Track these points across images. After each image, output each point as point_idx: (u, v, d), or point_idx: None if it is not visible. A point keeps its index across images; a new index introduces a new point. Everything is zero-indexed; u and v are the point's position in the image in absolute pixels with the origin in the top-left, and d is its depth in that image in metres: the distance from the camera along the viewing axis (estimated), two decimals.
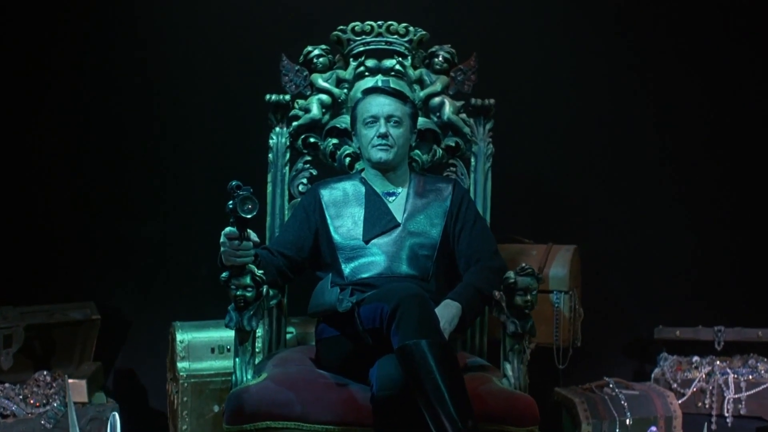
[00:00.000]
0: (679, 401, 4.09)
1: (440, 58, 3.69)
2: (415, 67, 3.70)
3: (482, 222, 3.49)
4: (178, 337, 3.81)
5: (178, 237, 4.34)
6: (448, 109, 3.67)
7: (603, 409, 3.95)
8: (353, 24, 3.67)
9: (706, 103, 4.56)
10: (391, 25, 3.66)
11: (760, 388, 4.09)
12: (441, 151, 3.70)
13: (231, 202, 2.89)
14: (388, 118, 3.40)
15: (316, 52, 3.67)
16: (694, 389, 4.15)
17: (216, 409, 3.77)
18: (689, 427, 4.08)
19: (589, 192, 4.54)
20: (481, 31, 4.38)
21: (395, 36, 3.67)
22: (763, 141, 4.56)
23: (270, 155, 3.65)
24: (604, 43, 4.52)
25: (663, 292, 4.53)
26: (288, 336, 3.66)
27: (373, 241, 3.36)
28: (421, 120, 3.62)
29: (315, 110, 3.66)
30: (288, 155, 3.66)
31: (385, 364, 2.96)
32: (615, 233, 4.54)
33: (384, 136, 3.39)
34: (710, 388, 4.13)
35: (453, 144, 3.69)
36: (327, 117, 3.68)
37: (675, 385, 4.19)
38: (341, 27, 3.68)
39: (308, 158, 3.70)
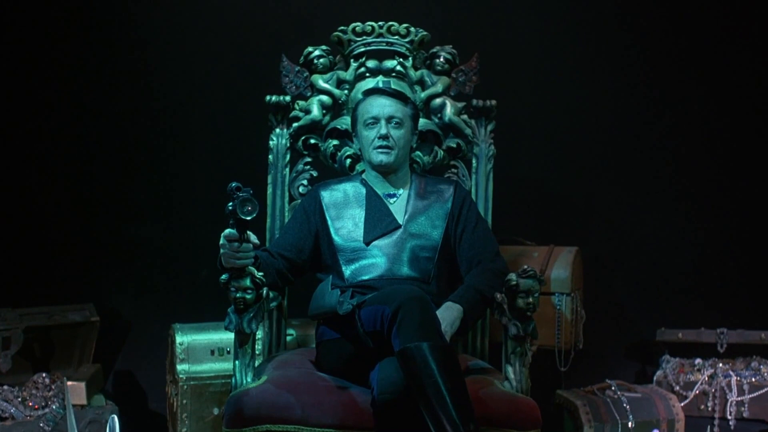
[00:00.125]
0: (682, 404, 4.10)
1: (441, 59, 3.68)
2: (416, 68, 3.69)
3: (484, 224, 3.47)
4: (178, 339, 3.80)
5: (177, 238, 4.34)
6: (449, 110, 3.66)
7: (605, 412, 3.95)
8: (354, 24, 3.66)
9: (709, 105, 4.56)
10: (392, 25, 3.66)
11: (763, 390, 4.09)
12: (442, 153, 3.69)
13: (231, 203, 2.88)
14: (388, 120, 3.39)
15: (317, 52, 3.66)
16: (697, 392, 4.16)
17: (216, 411, 3.76)
18: (692, 430, 4.09)
19: (591, 193, 4.55)
20: (483, 32, 4.39)
21: (396, 37, 3.66)
22: (766, 143, 4.54)
23: (270, 156, 3.64)
24: (607, 44, 4.52)
25: (665, 293, 4.54)
26: (288, 338, 3.65)
27: (373, 242, 3.34)
28: (422, 121, 3.61)
29: (315, 111, 3.65)
30: (288, 156, 3.65)
31: (386, 367, 2.94)
32: (617, 235, 4.54)
33: (385, 137, 3.38)
34: (713, 390, 4.14)
35: (454, 145, 3.68)
36: (327, 118, 3.67)
37: (677, 388, 4.19)
38: (342, 27, 3.67)
39: (308, 159, 3.69)
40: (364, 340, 3.06)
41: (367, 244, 3.34)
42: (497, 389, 3.10)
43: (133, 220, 4.35)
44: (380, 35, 3.66)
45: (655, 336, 4.39)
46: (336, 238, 3.37)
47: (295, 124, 3.66)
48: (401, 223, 3.38)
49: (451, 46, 3.69)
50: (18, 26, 4.27)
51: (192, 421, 3.76)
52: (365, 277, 3.29)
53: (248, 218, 2.88)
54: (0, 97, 4.24)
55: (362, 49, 3.68)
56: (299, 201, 3.60)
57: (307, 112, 3.66)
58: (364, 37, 3.67)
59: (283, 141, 3.65)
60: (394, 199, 3.43)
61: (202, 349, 3.80)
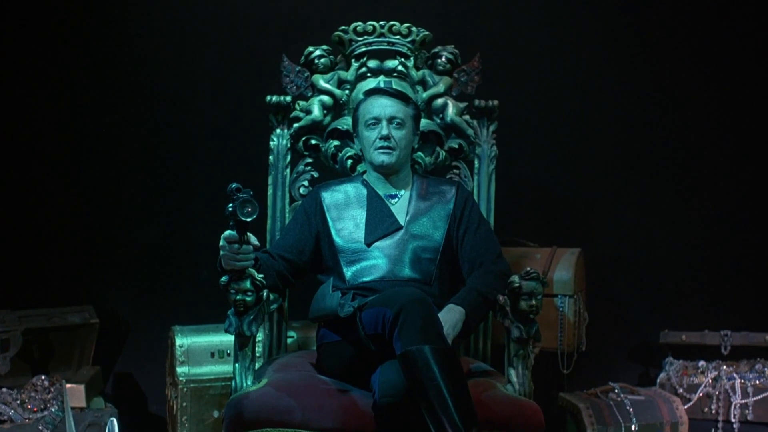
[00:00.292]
0: (685, 406, 4.09)
1: (443, 59, 3.67)
2: (417, 68, 3.68)
3: (486, 225, 3.46)
4: (178, 341, 3.80)
5: (177, 240, 4.33)
6: (451, 110, 3.65)
7: (608, 415, 3.94)
8: (355, 24, 3.65)
9: (713, 106, 4.55)
10: (394, 25, 3.65)
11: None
12: (444, 153, 3.68)
13: (230, 205, 2.87)
14: (390, 120, 3.38)
15: (318, 52, 3.65)
16: (701, 394, 4.15)
17: (216, 414, 3.76)
18: None
19: (593, 194, 4.54)
20: (485, 32, 4.38)
21: (398, 36, 3.65)
22: None
23: (270, 157, 3.63)
24: (610, 44, 4.51)
25: (668, 295, 4.53)
26: (289, 341, 3.64)
27: (375, 244, 3.33)
28: (423, 122, 3.60)
29: (316, 112, 3.64)
30: (289, 157, 3.64)
31: (387, 370, 2.93)
32: (620, 236, 4.53)
33: (386, 138, 3.36)
34: (717, 393, 4.13)
35: (456, 146, 3.67)
36: (328, 118, 3.66)
37: (681, 390, 4.18)
38: (343, 27, 3.66)
39: (309, 160, 3.68)
40: (365, 343, 3.04)
41: (369, 245, 3.32)
42: (500, 392, 3.08)
43: (133, 222, 4.34)
44: (381, 35, 3.65)
45: (658, 338, 4.38)
46: (337, 240, 3.35)
47: (295, 125, 3.64)
48: (403, 224, 3.36)
49: (452, 45, 3.68)
50: (17, 26, 4.26)
51: (192, 423, 3.75)
52: (366, 279, 3.28)
53: (248, 220, 2.86)
54: None
55: (363, 49, 3.66)
56: (300, 202, 3.58)
57: (308, 112, 3.64)
58: (366, 37, 3.66)
59: (284, 141, 3.63)
60: (396, 200, 3.42)
61: (202, 352, 3.79)
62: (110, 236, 4.32)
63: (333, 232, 3.37)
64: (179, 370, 3.76)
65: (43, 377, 3.85)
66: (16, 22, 4.25)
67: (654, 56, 4.53)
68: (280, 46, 3.70)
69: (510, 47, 4.41)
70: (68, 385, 3.79)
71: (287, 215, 3.61)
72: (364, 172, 3.52)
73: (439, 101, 3.66)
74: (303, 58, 3.66)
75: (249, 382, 3.08)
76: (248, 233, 2.93)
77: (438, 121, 3.67)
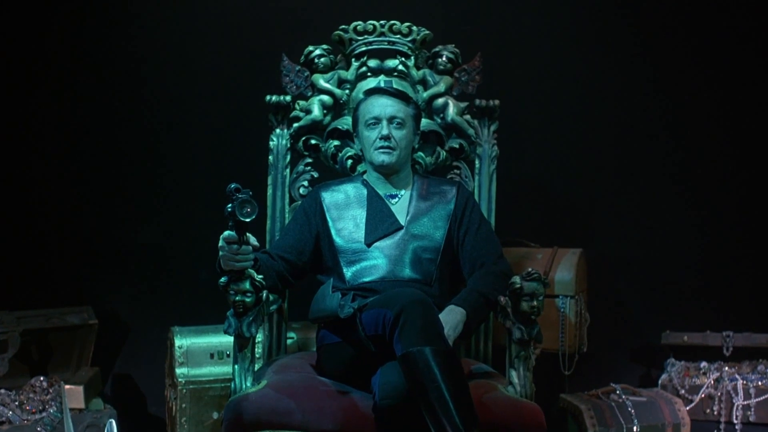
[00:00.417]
0: (687, 408, 4.09)
1: (444, 59, 3.65)
2: (418, 68, 3.67)
3: (487, 225, 3.44)
4: (177, 342, 3.79)
5: (176, 241, 4.32)
6: (452, 110, 3.64)
7: (610, 416, 3.93)
8: (355, 23, 3.65)
9: (714, 106, 4.54)
10: (394, 24, 3.64)
11: None
12: (445, 153, 3.66)
13: (230, 205, 2.86)
14: (390, 120, 3.37)
15: (318, 52, 3.64)
16: (703, 395, 4.15)
17: (215, 416, 3.75)
18: None
19: (595, 195, 4.53)
20: (486, 31, 4.38)
21: (398, 36, 3.64)
22: None
23: (270, 157, 3.62)
24: (612, 44, 4.51)
25: (670, 296, 4.52)
26: (288, 342, 3.64)
27: (375, 244, 3.32)
28: (424, 121, 3.59)
29: (316, 111, 3.62)
30: (288, 157, 3.63)
31: (387, 372, 2.92)
32: (621, 237, 4.53)
33: (386, 138, 3.35)
34: (719, 394, 4.13)
35: (457, 146, 3.65)
36: (328, 118, 3.65)
37: (683, 392, 4.18)
38: (343, 26, 3.65)
39: (309, 160, 3.67)
40: (365, 344, 3.03)
41: (369, 245, 3.31)
42: (501, 394, 3.07)
43: (132, 222, 4.33)
44: (382, 34, 3.64)
45: (660, 339, 4.37)
46: (337, 240, 3.34)
47: (295, 125, 3.63)
48: (403, 224, 3.35)
49: (453, 45, 3.67)
50: (16, 26, 4.25)
51: (191, 425, 3.75)
52: (366, 279, 3.27)
53: (247, 220, 2.85)
54: None
55: (363, 49, 3.65)
56: (299, 202, 3.57)
57: (308, 112, 3.63)
58: (366, 36, 3.65)
59: (284, 141, 3.62)
60: (396, 199, 3.41)
61: (202, 353, 3.78)
62: (109, 236, 4.31)
63: (333, 232, 3.35)
64: (178, 371, 3.75)
65: (41, 378, 3.83)
66: (16, 22, 4.25)
67: (656, 56, 4.52)
68: (280, 46, 3.70)
69: (511, 46, 4.40)
70: (67, 386, 3.78)
71: (287, 215, 3.60)
72: (364, 172, 3.51)
73: (440, 101, 3.65)
74: (303, 57, 3.65)
75: (248, 384, 3.07)
76: (247, 234, 2.92)
77: (439, 120, 3.66)
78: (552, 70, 4.46)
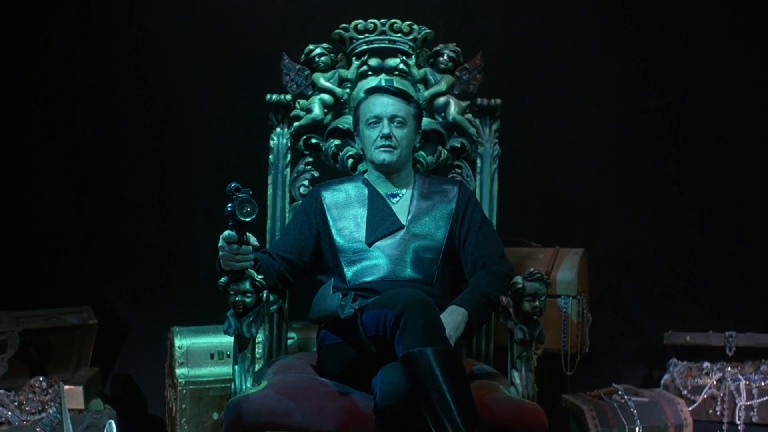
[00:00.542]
0: (690, 408, 4.09)
1: (445, 57, 3.65)
2: (419, 66, 3.66)
3: (489, 225, 3.43)
4: (177, 342, 3.78)
5: (176, 240, 4.31)
6: (453, 109, 3.62)
7: (612, 417, 3.93)
8: (356, 22, 3.64)
9: (716, 106, 4.54)
10: (395, 23, 3.63)
11: None
12: (446, 153, 3.66)
13: (230, 204, 2.85)
14: (391, 119, 3.36)
15: (318, 50, 3.63)
16: (705, 396, 4.14)
17: (215, 416, 3.75)
18: None
19: (597, 194, 4.52)
20: (487, 29, 4.37)
21: (399, 34, 3.63)
22: None
23: (270, 156, 3.61)
24: (614, 43, 4.51)
25: (673, 296, 4.52)
26: (289, 342, 3.63)
27: (376, 243, 3.31)
28: (425, 120, 3.58)
29: (317, 110, 3.61)
30: (289, 156, 3.62)
31: (388, 373, 2.90)
32: (624, 236, 4.52)
33: (387, 136, 3.34)
34: (721, 394, 4.12)
35: (458, 145, 3.64)
36: (329, 117, 3.64)
37: (685, 392, 4.18)
38: (344, 25, 3.64)
39: (310, 159, 3.66)
40: (366, 345, 3.02)
41: (370, 245, 3.30)
42: (503, 395, 3.06)
43: (132, 222, 4.33)
44: (383, 33, 3.63)
45: (662, 339, 4.36)
46: (338, 239, 3.33)
47: (296, 124, 3.62)
48: (404, 223, 3.34)
49: (454, 43, 3.66)
50: (17, 26, 4.24)
51: (191, 425, 3.74)
52: (367, 279, 3.26)
53: (247, 219, 2.84)
54: None
55: (364, 47, 3.64)
56: (300, 202, 3.56)
57: (309, 111, 3.62)
58: (366, 35, 3.64)
59: (284, 141, 3.61)
60: (397, 199, 3.40)
61: (202, 353, 3.78)
62: (109, 236, 4.30)
63: (334, 231, 3.34)
64: (178, 371, 3.74)
65: (41, 379, 3.83)
66: (16, 22, 4.24)
67: (658, 55, 4.52)
68: (281, 44, 3.69)
69: (513, 45, 4.40)
70: (66, 387, 3.77)
71: (287, 215, 3.59)
72: (365, 171, 3.50)
73: (441, 100, 3.64)
74: (303, 56, 3.63)
75: (248, 385, 3.06)
76: (247, 233, 2.91)
77: (440, 119, 3.65)
78: (554, 69, 4.46)
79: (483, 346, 3.52)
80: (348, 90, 3.64)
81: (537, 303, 3.02)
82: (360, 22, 3.62)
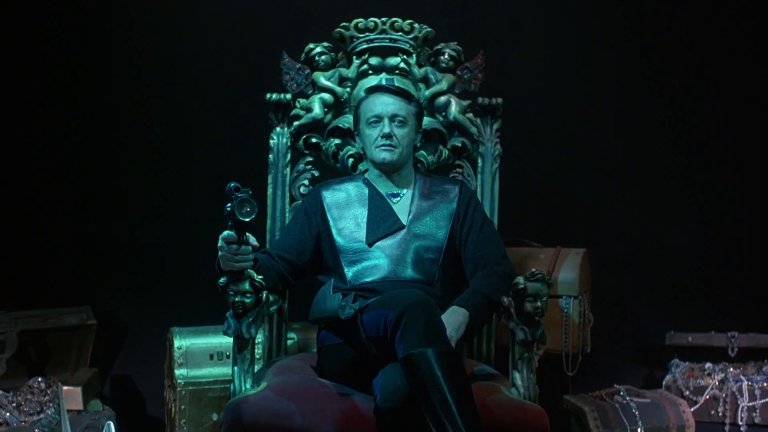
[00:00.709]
0: (692, 409, 4.09)
1: (446, 56, 3.64)
2: (420, 65, 3.65)
3: (490, 225, 3.42)
4: (176, 343, 3.78)
5: (175, 240, 4.31)
6: (454, 108, 3.62)
7: (613, 418, 3.92)
8: (356, 21, 3.63)
9: (718, 106, 4.54)
10: (396, 21, 3.62)
11: None
12: (447, 152, 3.64)
13: (229, 204, 2.84)
14: (392, 118, 3.35)
15: (318, 49, 3.62)
16: (707, 397, 4.14)
17: (215, 417, 3.75)
18: None
19: (598, 194, 4.52)
20: (488, 28, 4.37)
21: (400, 33, 3.62)
22: None
23: (270, 156, 3.60)
24: (615, 42, 4.51)
25: (675, 296, 4.51)
26: (289, 342, 3.62)
27: (376, 243, 3.30)
28: (426, 120, 3.57)
29: (317, 110, 3.60)
30: (289, 156, 3.61)
31: (389, 374, 2.89)
32: (625, 236, 4.52)
33: (388, 136, 3.33)
34: (723, 395, 4.12)
35: (459, 144, 3.64)
36: (329, 116, 3.63)
37: (687, 393, 4.18)
38: (344, 24, 3.63)
39: (310, 159, 3.65)
40: (366, 346, 3.01)
41: (370, 245, 3.29)
42: (504, 396, 3.05)
43: (131, 222, 4.32)
44: (383, 32, 3.62)
45: (664, 340, 4.36)
46: (338, 239, 3.32)
47: (296, 123, 3.61)
48: (405, 223, 3.33)
49: (455, 42, 3.66)
50: (17, 25, 4.24)
51: (190, 426, 3.73)
52: (368, 279, 3.25)
53: (247, 219, 2.83)
54: None
55: (365, 46, 3.63)
56: (300, 201, 3.55)
57: (309, 110, 3.61)
58: (367, 34, 3.63)
59: (284, 140, 3.60)
60: (398, 198, 3.39)
61: (201, 354, 3.77)
62: (108, 236, 4.30)
63: (334, 231, 3.33)
64: (178, 372, 3.74)
65: (39, 379, 3.82)
66: (16, 22, 4.23)
67: (660, 55, 4.51)
68: (281, 43, 3.68)
69: (514, 44, 4.39)
70: (65, 388, 3.76)
71: (287, 215, 3.58)
72: (366, 171, 3.49)
73: (442, 99, 3.63)
74: (303, 55, 3.63)
75: (248, 386, 3.04)
76: (247, 233, 2.90)
77: (441, 119, 3.64)
78: (555, 68, 4.46)
79: (484, 347, 3.51)
80: (348, 89, 3.63)
81: (539, 303, 3.00)
82: (360, 21, 3.62)
